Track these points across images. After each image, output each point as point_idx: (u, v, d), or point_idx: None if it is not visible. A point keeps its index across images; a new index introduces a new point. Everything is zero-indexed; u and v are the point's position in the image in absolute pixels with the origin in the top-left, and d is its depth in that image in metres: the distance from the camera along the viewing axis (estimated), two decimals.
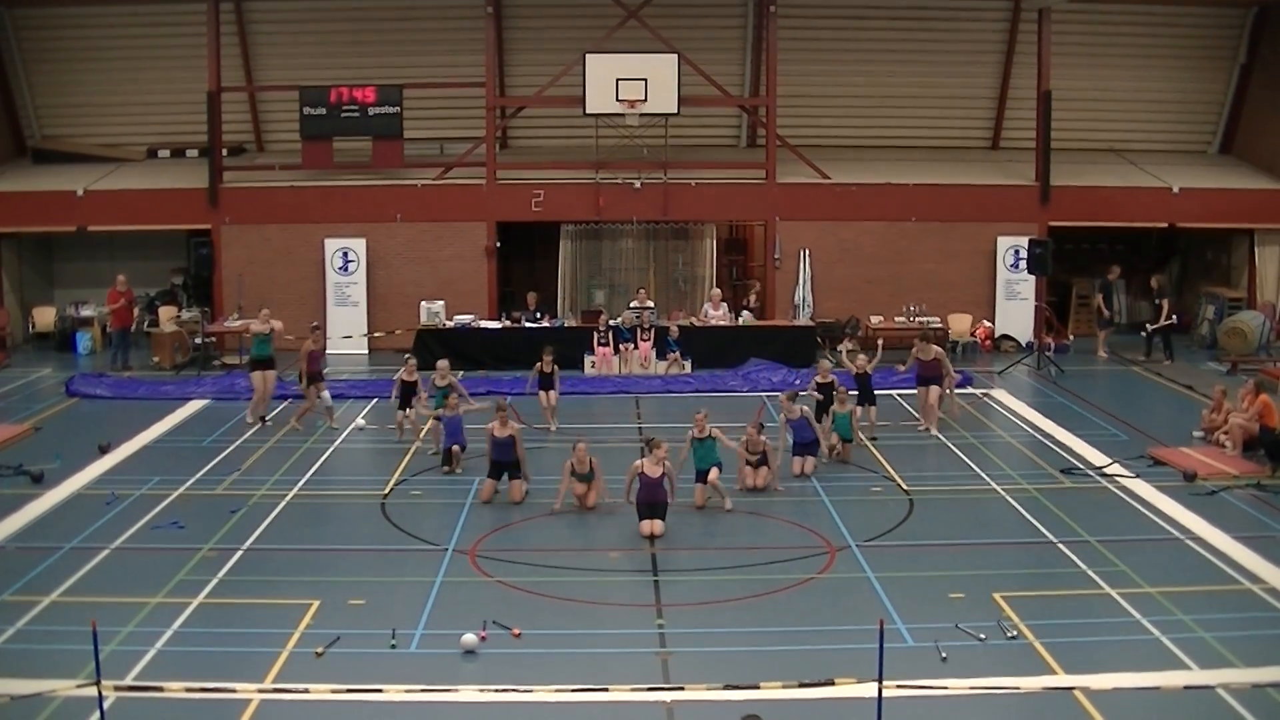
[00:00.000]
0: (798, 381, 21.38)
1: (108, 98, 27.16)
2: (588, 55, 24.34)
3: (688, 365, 22.55)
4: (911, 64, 26.93)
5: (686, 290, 25.91)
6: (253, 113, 27.46)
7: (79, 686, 9.19)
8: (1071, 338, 25.96)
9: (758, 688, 9.58)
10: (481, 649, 10.52)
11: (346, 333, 24.38)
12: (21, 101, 27.36)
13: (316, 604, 11.48)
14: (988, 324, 25.28)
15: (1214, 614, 11.17)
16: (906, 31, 26.65)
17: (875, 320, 24.81)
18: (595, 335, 22.72)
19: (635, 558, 13.01)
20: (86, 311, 25.71)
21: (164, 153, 27.14)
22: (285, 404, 19.57)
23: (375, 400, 19.84)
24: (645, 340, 22.58)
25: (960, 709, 9.46)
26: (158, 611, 11.34)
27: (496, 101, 25.53)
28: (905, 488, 15.44)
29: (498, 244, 25.33)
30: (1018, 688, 9.65)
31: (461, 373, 22.13)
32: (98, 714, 8.64)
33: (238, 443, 17.67)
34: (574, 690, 9.70)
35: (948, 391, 18.68)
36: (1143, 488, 15.31)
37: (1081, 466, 16.34)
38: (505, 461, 14.85)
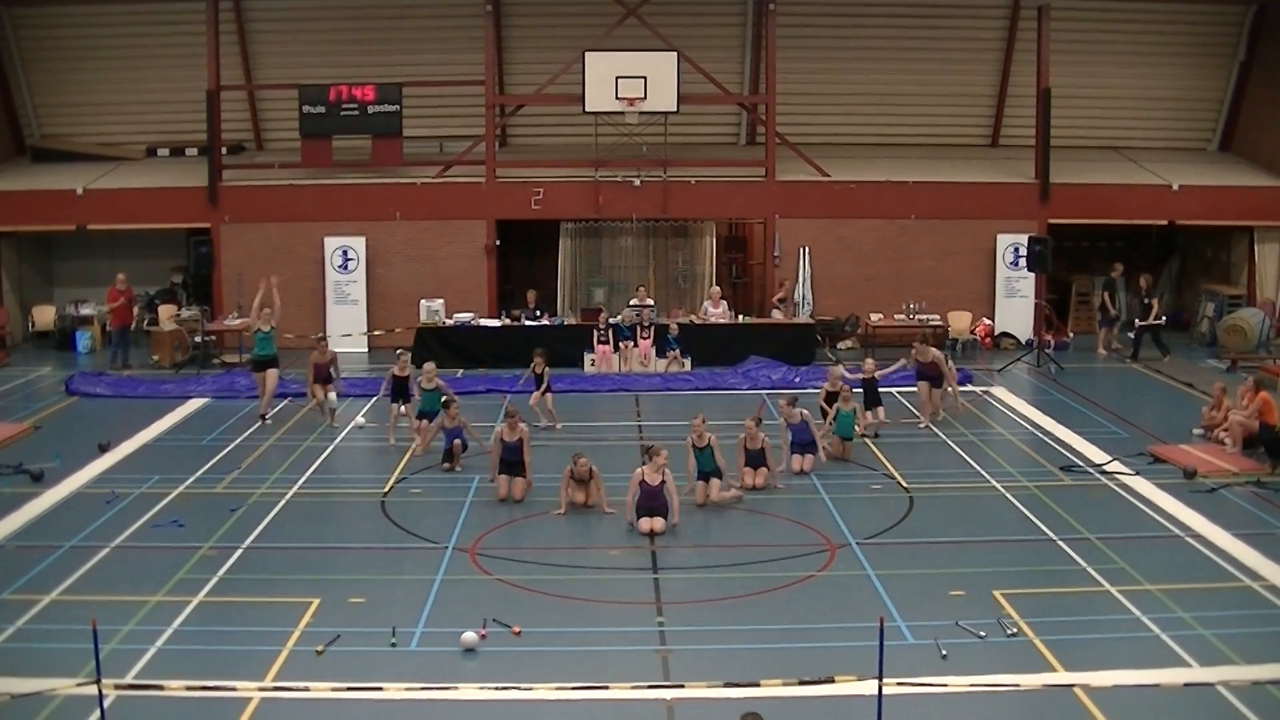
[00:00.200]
0: (797, 379, 21.42)
1: (107, 96, 27.14)
2: (587, 53, 24.32)
3: (687, 363, 22.54)
4: (911, 61, 26.91)
5: (686, 288, 25.88)
6: (252, 111, 27.44)
7: (79, 685, 9.18)
8: (1071, 335, 25.97)
9: (758, 685, 9.57)
10: (482, 647, 10.51)
11: (346, 331, 24.38)
12: (20, 100, 27.33)
13: (316, 602, 11.47)
14: (987, 321, 25.26)
15: (1214, 611, 11.17)
16: (906, 29, 26.62)
17: (875, 318, 24.77)
18: (595, 333, 22.70)
19: (635, 555, 13.00)
20: (86, 310, 25.64)
21: (163, 151, 27.14)
22: (285, 402, 19.59)
23: (374, 399, 19.82)
24: (645, 338, 22.57)
25: (960, 706, 9.45)
26: (158, 610, 11.33)
27: (496, 99, 25.52)
28: (905, 485, 15.43)
29: (497, 242, 25.32)
30: (1018, 685, 9.63)
31: (461, 371, 22.22)
32: (98, 713, 8.63)
33: (237, 441, 17.66)
34: (574, 688, 9.69)
35: (950, 390, 18.71)
36: (1143, 485, 15.30)
37: (1081, 464, 16.33)
38: (513, 462, 14.92)
